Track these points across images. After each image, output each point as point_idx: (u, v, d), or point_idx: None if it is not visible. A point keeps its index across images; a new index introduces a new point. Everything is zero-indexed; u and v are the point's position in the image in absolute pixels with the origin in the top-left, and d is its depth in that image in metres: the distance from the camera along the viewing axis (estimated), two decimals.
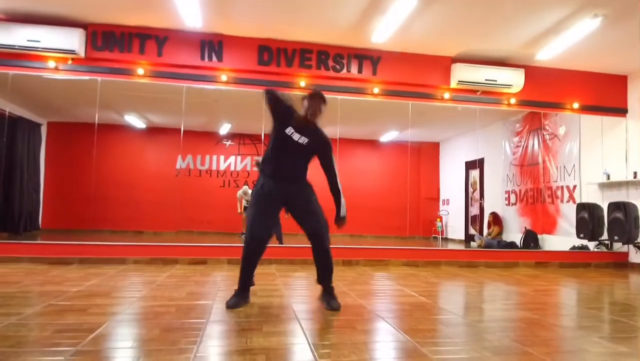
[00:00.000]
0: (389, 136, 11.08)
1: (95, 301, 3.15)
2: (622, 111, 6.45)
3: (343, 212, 3.19)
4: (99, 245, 5.21)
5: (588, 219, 6.43)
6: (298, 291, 3.91)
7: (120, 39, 5.30)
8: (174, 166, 10.53)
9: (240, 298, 3.14)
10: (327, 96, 5.70)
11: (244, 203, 9.28)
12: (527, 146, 8.58)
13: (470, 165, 10.39)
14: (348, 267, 5.40)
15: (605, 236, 6.38)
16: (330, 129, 9.52)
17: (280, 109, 3.20)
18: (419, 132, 10.84)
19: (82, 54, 5.21)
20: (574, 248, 6.82)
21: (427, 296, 3.71)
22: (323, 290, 3.26)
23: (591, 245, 6.72)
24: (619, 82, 6.46)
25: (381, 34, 5.16)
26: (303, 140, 3.15)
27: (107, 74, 5.33)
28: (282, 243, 6.22)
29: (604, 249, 6.58)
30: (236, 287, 3.19)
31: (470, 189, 10.43)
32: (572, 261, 6.23)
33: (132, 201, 10.05)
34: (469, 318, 2.94)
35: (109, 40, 5.29)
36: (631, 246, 6.21)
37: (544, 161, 8.00)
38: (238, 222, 9.47)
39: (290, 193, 3.18)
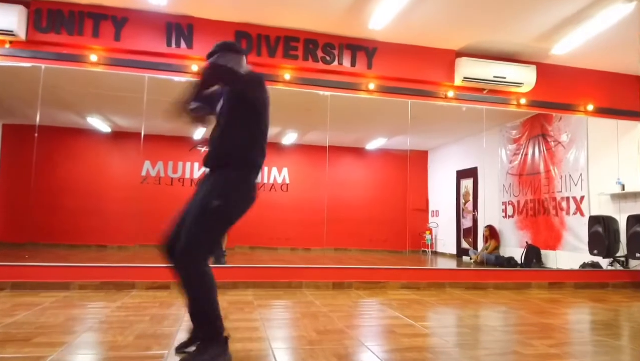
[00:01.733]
0: (375, 144, 10.39)
1: (5, 350, 2.28)
2: (638, 115, 5.86)
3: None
4: (36, 266, 4.28)
5: (603, 234, 5.79)
6: (284, 330, 3.09)
7: (69, 19, 4.43)
8: (140, 173, 9.63)
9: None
10: (315, 91, 5.00)
11: None
12: (526, 154, 7.97)
13: (462, 174, 9.76)
14: (340, 291, 4.59)
15: (622, 252, 5.75)
16: (319, 135, 8.82)
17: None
18: (406, 139, 10.20)
19: (22, 36, 4.32)
20: (584, 265, 6.17)
21: (446, 334, 2.94)
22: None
23: (604, 262, 6.08)
24: (634, 83, 5.88)
25: (380, 19, 4.43)
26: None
27: (52, 61, 4.44)
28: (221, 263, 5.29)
29: (618, 266, 5.94)
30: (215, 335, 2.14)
31: (462, 200, 9.79)
32: (587, 281, 5.55)
33: (96, 211, 9.09)
34: None
35: (55, 21, 4.41)
36: None
37: (547, 170, 7.38)
38: None
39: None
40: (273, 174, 10.18)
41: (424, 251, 10.12)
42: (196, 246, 2.12)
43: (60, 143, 9.35)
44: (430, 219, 10.88)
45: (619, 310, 4.10)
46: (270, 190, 10.00)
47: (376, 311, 3.72)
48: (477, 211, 9.20)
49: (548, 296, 4.80)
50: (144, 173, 9.49)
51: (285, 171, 10.25)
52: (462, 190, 9.79)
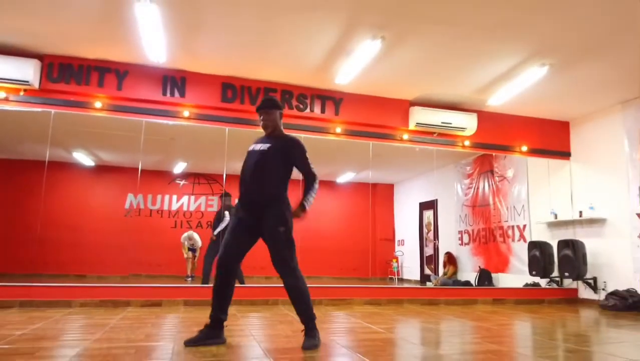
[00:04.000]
0: (345, 177, 11.19)
1: (43, 344, 2.87)
2: (566, 155, 6.89)
3: (307, 204, 3.08)
4: (42, 287, 4.82)
5: (540, 257, 6.68)
6: (264, 330, 3.75)
7: (78, 71, 5.15)
8: (123, 205, 10.10)
9: (204, 333, 2.96)
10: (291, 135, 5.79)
11: (187, 245, 9.16)
12: (478, 188, 8.93)
13: (424, 206, 10.62)
14: None
15: (556, 272, 6.63)
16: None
17: None
18: (374, 173, 11.04)
19: (36, 85, 4.99)
20: (526, 285, 7.02)
21: (396, 332, 3.66)
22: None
23: (543, 282, 6.96)
24: (563, 128, 6.94)
25: (345, 76, 5.31)
26: (262, 147, 3.15)
27: (62, 107, 5.12)
28: (242, 283, 6.01)
29: (554, 285, 6.82)
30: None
31: (425, 230, 10.61)
32: (526, 298, 6.40)
33: (76, 243, 9.46)
34: (447, 352, 2.92)
35: (65, 72, 5.12)
36: (580, 283, 6.48)
37: (494, 202, 8.33)
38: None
39: (260, 216, 3.05)
40: None
41: (391, 278, 10.80)
42: None
43: (43, 176, 9.72)
44: (397, 248, 11.61)
45: (543, 318, 4.91)
46: None
47: (342, 319, 4.41)
48: (437, 239, 10.03)
49: (490, 309, 5.60)
50: (127, 206, 9.98)
51: None
52: (425, 220, 10.63)
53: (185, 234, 9.31)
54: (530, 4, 3.90)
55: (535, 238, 7.18)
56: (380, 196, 12.00)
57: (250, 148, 3.22)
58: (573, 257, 6.17)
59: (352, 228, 11.35)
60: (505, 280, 7.82)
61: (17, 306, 4.63)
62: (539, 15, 4.07)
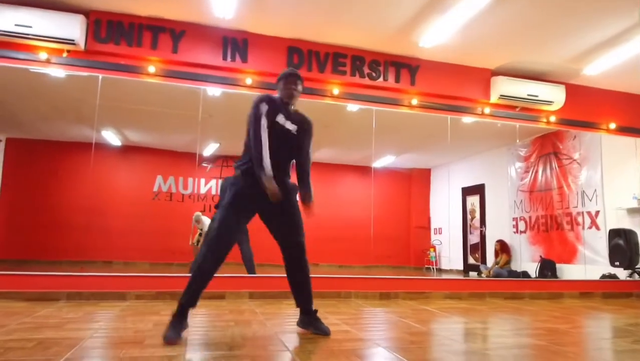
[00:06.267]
0: (382, 162, 10.52)
1: (131, 351, 2.28)
2: None
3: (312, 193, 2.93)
4: (93, 277, 4.22)
5: (624, 246, 6.06)
6: (373, 330, 3.14)
7: (128, 30, 4.50)
8: (151, 189, 9.54)
9: (179, 327, 2.64)
10: (362, 106, 5.16)
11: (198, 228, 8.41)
12: (536, 171, 8.27)
13: (467, 191, 10.00)
14: (389, 301, 4.67)
15: None
16: (328, 153, 9.03)
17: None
18: (411, 157, 10.43)
19: (81, 46, 4.35)
20: (603, 276, 6.41)
21: (531, 336, 3.06)
22: (304, 314, 2.96)
23: (621, 274, 6.33)
24: None
25: (433, 37, 4.64)
26: (292, 127, 2.89)
27: (110, 71, 4.47)
28: (253, 273, 5.35)
29: (636, 277, 6.20)
30: (174, 313, 2.70)
31: (469, 217, 10.00)
32: (613, 291, 5.79)
33: (101, 228, 8.91)
34: None
35: (115, 32, 4.47)
36: None
37: (559, 187, 7.68)
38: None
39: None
40: None
41: (428, 268, 10.20)
42: None
43: (66, 158, 9.19)
44: (433, 236, 11.00)
45: None
46: None
47: (446, 319, 3.80)
48: (484, 227, 9.42)
49: (586, 304, 4.99)
50: (155, 189, 9.42)
51: None
52: (469, 207, 10.01)
53: (193, 217, 8.44)
54: None
55: (612, 225, 6.55)
56: (416, 181, 11.40)
57: (282, 121, 2.85)
58: None
59: (385, 215, 10.74)
60: (571, 271, 7.20)
61: (64, 298, 4.05)
62: None
